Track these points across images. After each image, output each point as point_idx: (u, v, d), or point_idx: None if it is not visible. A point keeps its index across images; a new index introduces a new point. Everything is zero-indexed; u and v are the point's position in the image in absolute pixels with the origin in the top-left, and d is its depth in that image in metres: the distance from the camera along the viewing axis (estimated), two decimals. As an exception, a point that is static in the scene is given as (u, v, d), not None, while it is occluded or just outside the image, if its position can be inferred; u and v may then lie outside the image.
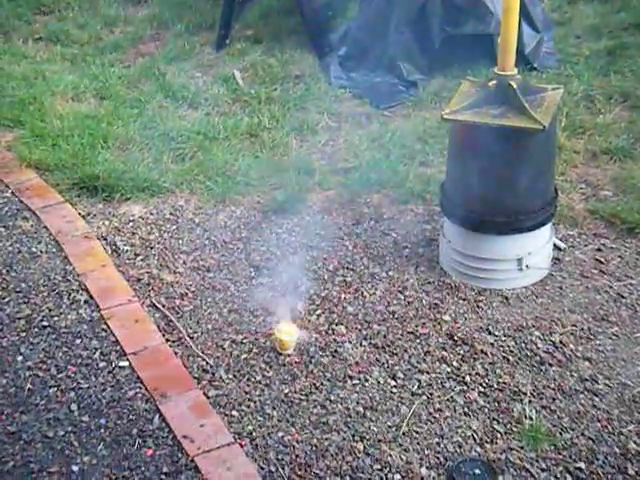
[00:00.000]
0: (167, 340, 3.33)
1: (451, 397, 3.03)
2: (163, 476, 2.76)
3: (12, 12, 6.79)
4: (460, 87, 3.56)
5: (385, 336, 3.32)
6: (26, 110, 5.15)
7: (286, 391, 3.07)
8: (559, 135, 4.38)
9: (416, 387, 3.07)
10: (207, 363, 3.21)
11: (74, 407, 3.02)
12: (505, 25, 3.23)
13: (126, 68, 5.83)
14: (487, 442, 2.85)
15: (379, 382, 3.10)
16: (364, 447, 2.84)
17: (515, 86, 3.29)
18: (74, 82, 5.53)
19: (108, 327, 3.40)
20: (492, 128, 3.30)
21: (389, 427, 2.91)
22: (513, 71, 3.31)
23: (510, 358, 3.19)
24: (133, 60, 5.96)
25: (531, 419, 2.91)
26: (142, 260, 3.83)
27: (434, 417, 2.95)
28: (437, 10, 5.18)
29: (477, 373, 3.13)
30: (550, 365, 3.15)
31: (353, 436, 2.88)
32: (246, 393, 3.07)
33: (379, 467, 2.77)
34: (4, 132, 5.00)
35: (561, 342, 3.25)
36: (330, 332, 3.34)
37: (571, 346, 3.24)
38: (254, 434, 2.89)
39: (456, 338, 3.29)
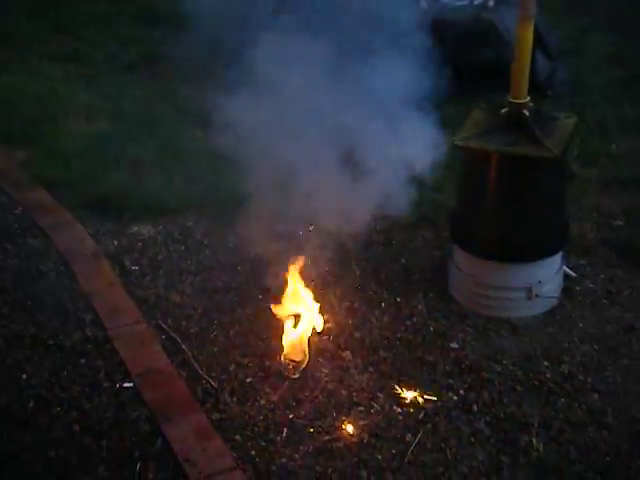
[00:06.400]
0: (172, 362, 3.31)
1: (457, 426, 2.99)
2: (164, 500, 2.74)
3: (29, 31, 6.85)
4: (472, 114, 3.55)
5: (392, 363, 3.29)
6: (39, 128, 5.17)
7: (290, 416, 3.04)
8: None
9: (422, 415, 3.04)
10: (212, 386, 3.18)
11: (76, 427, 2.99)
12: (518, 54, 3.22)
13: (140, 88, 5.85)
14: (493, 473, 2.80)
15: (384, 409, 3.07)
16: (368, 475, 2.80)
17: (527, 114, 3.27)
18: (88, 101, 5.57)
19: (113, 347, 3.38)
20: (503, 156, 3.29)
21: (394, 455, 2.87)
22: (526, 99, 3.30)
23: (518, 388, 3.15)
24: (148, 80, 5.99)
25: (538, 451, 2.87)
26: (150, 280, 3.82)
27: (440, 446, 2.91)
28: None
29: (484, 402, 3.09)
30: (558, 396, 3.11)
31: (357, 463, 2.84)
32: (250, 417, 3.04)
33: (382, 496, 2.74)
34: (17, 150, 5.02)
35: (570, 373, 3.22)
36: (336, 358, 3.32)
37: (580, 377, 3.20)
38: (257, 459, 2.86)
39: (463, 366, 3.26)
